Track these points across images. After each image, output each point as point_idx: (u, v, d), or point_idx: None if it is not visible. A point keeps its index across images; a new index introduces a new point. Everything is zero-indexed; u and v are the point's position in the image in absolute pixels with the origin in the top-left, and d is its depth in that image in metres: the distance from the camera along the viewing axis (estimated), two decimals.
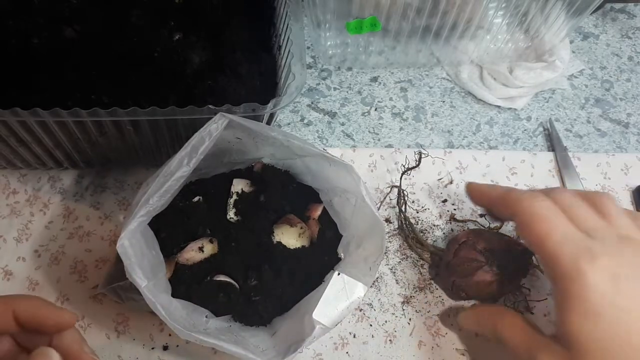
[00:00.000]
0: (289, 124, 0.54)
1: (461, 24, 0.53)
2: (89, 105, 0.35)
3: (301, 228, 0.42)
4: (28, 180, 0.47)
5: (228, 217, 0.42)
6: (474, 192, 0.41)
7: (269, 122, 0.42)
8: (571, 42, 0.62)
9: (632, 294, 0.29)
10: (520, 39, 0.57)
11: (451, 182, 0.51)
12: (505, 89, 0.57)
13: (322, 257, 0.42)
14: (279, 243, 0.42)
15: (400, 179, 0.47)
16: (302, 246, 0.42)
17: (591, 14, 0.61)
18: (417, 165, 0.47)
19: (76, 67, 0.40)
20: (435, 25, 0.52)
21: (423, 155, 0.48)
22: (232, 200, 0.43)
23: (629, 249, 0.31)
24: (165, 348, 0.41)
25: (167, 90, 0.39)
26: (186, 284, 0.39)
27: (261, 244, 0.41)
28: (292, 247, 0.42)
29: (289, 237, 0.42)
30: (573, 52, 0.61)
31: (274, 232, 0.42)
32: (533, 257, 0.43)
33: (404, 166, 0.48)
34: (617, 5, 0.66)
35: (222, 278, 0.39)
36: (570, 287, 0.30)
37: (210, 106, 0.36)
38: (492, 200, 0.39)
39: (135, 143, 0.42)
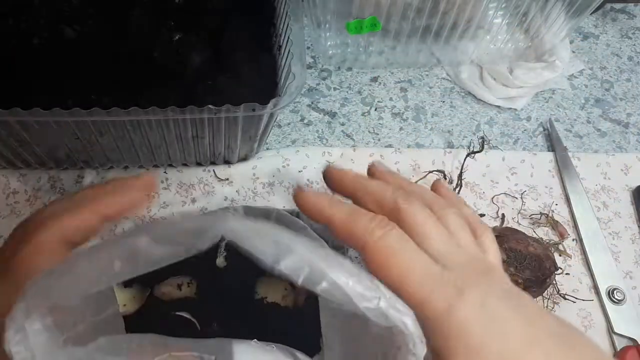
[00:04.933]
0: (289, 124, 0.54)
1: (461, 24, 0.53)
2: (89, 105, 0.35)
3: (285, 289, 0.40)
4: (28, 180, 0.47)
5: (217, 262, 0.41)
6: (332, 180, 0.32)
7: (268, 122, 0.42)
8: (571, 42, 0.61)
9: (506, 321, 0.27)
10: (520, 39, 0.58)
11: (450, 183, 0.51)
12: (505, 89, 0.57)
13: (302, 328, 0.38)
14: (263, 298, 0.40)
15: (463, 162, 0.51)
16: (286, 306, 0.40)
17: (591, 14, 0.61)
18: (481, 150, 0.51)
19: (76, 67, 0.40)
20: (435, 25, 0.52)
21: (485, 141, 0.51)
22: (223, 244, 0.40)
23: (479, 270, 0.28)
24: None
25: (167, 90, 0.39)
26: (153, 319, 0.38)
27: (243, 298, 0.40)
28: (273, 302, 0.39)
29: (275, 293, 0.40)
30: (573, 52, 0.61)
31: (256, 286, 0.40)
32: (555, 279, 0.43)
33: (468, 148, 0.51)
34: (617, 6, 0.66)
35: (184, 314, 0.38)
36: (446, 329, 0.26)
37: (210, 106, 0.36)
38: (335, 221, 0.29)
39: (135, 143, 0.42)
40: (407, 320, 0.25)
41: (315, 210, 0.30)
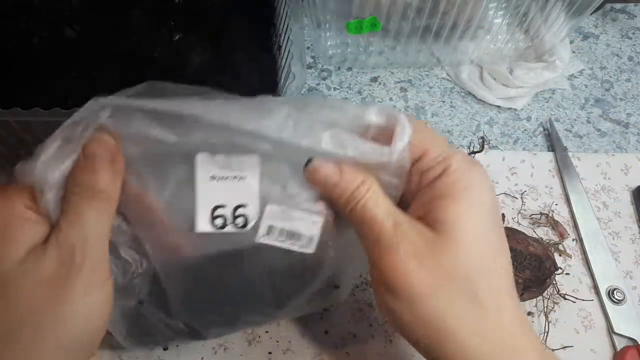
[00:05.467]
0: None
1: (461, 24, 0.53)
2: None
3: None
4: None
5: None
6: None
7: None
8: (571, 42, 0.61)
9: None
10: (520, 39, 0.58)
11: None
12: (505, 89, 0.57)
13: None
14: None
15: None
16: None
17: (591, 14, 0.61)
18: (481, 150, 0.50)
19: (76, 67, 0.40)
20: (435, 25, 0.52)
21: (486, 141, 0.50)
22: None
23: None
24: (165, 348, 0.41)
25: None
26: None
27: None
28: None
29: None
30: (573, 52, 0.61)
31: None
32: (555, 279, 0.43)
33: (469, 148, 0.50)
34: (617, 6, 0.66)
35: None
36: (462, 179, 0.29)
37: None
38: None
39: None
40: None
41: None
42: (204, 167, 0.28)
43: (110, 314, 0.28)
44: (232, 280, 0.33)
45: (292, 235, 0.29)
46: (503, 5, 0.52)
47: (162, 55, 0.41)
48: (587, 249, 0.48)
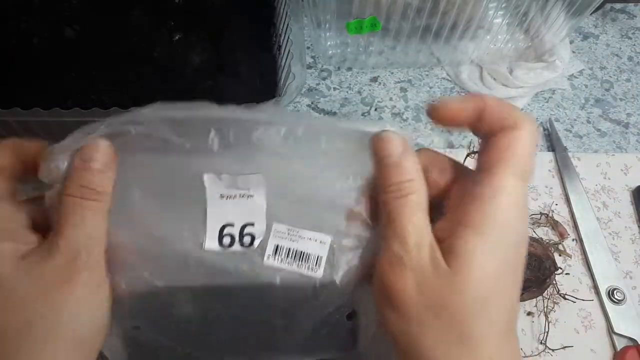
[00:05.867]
0: None
1: (461, 24, 0.53)
2: (89, 105, 0.35)
3: None
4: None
5: None
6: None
7: None
8: (571, 42, 0.61)
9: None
10: (520, 39, 0.58)
11: None
12: (505, 89, 0.57)
13: None
14: None
15: (464, 162, 0.49)
16: None
17: (591, 14, 0.61)
18: None
19: (76, 67, 0.40)
20: (435, 25, 0.52)
21: None
22: None
23: None
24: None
25: (167, 90, 0.39)
26: None
27: None
28: None
29: None
30: (573, 52, 0.61)
31: None
32: (555, 279, 0.43)
33: (469, 148, 0.48)
34: (617, 6, 0.66)
35: None
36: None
37: None
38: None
39: None
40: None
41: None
42: (212, 185, 0.28)
43: (110, 313, 0.28)
44: (236, 307, 0.32)
45: (300, 255, 0.29)
46: (503, 5, 0.52)
47: (162, 55, 0.41)
48: (587, 249, 0.48)
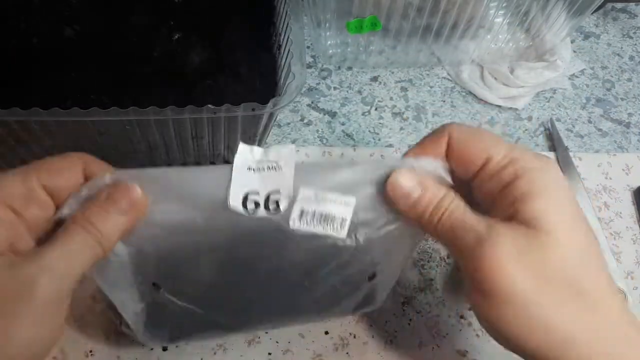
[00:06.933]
0: (288, 123, 0.54)
1: (462, 23, 0.53)
2: (88, 105, 0.35)
3: None
4: None
5: None
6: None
7: (268, 122, 0.42)
8: (572, 41, 0.61)
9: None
10: (521, 39, 0.57)
11: None
12: (506, 88, 0.57)
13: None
14: None
15: None
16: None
17: (592, 13, 0.61)
18: None
19: (76, 67, 0.39)
20: (436, 24, 0.52)
21: None
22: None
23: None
24: (164, 349, 0.41)
25: (166, 90, 0.39)
26: None
27: None
28: None
29: None
30: (574, 51, 0.61)
31: None
32: None
33: None
34: (619, 5, 0.66)
35: None
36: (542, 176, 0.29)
37: (209, 106, 0.36)
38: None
39: (135, 143, 0.42)
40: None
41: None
42: (242, 156, 0.29)
43: (54, 343, 0.27)
44: (261, 269, 0.33)
45: (325, 218, 0.29)
46: (504, 5, 0.52)
47: (161, 55, 0.41)
48: None
